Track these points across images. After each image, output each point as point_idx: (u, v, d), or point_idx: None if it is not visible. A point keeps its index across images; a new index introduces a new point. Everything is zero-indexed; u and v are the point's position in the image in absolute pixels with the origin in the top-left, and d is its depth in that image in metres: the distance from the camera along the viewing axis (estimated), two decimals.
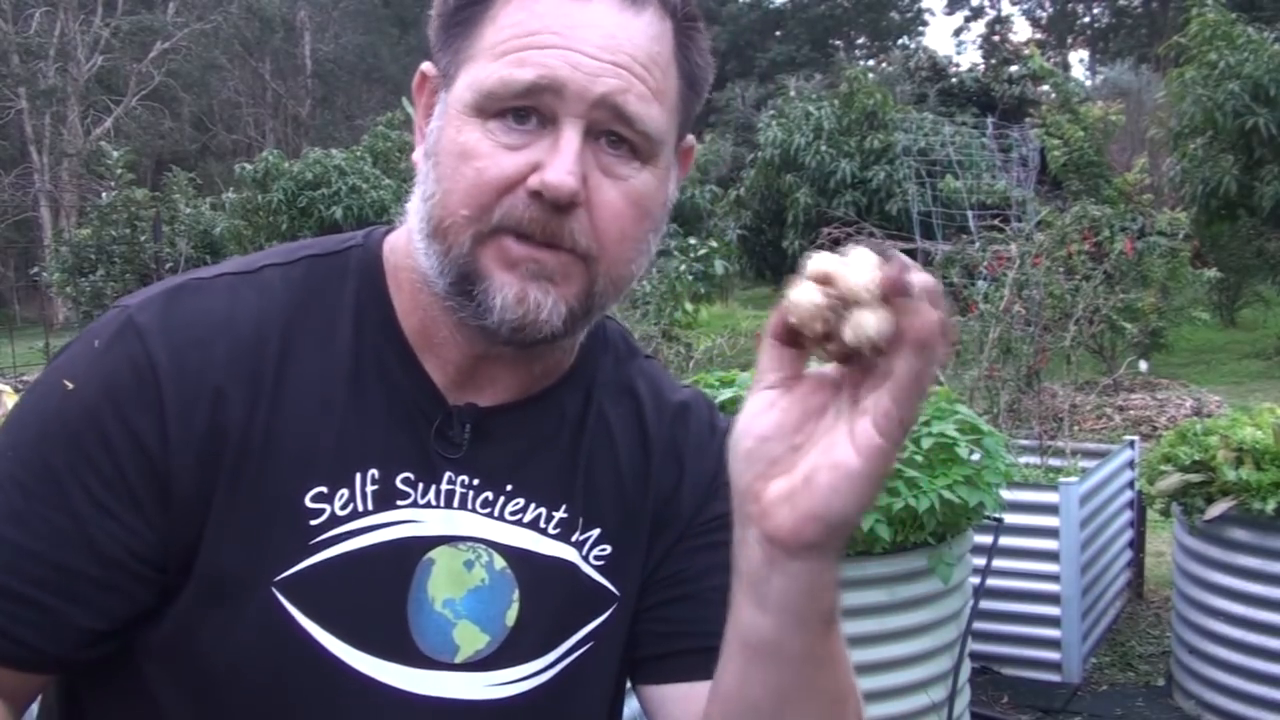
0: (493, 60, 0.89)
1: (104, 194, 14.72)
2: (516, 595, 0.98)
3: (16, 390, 2.85)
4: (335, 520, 0.93)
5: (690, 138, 1.03)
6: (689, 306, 9.40)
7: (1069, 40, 46.36)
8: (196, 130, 37.27)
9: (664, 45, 0.93)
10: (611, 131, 0.90)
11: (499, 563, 0.98)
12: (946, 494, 3.03)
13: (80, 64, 32.40)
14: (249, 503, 0.91)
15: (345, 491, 0.93)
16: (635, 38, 0.90)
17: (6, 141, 32.23)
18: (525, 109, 0.89)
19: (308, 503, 0.92)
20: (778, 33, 43.67)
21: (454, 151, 0.91)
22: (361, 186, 15.51)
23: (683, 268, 9.20)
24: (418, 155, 0.97)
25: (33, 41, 31.64)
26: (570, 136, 0.88)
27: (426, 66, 0.98)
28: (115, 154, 14.26)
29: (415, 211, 0.95)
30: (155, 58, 33.64)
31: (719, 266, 10.17)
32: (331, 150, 16.89)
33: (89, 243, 14.30)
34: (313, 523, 0.92)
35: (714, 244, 10.46)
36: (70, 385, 0.90)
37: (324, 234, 1.10)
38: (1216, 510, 3.75)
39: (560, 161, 0.87)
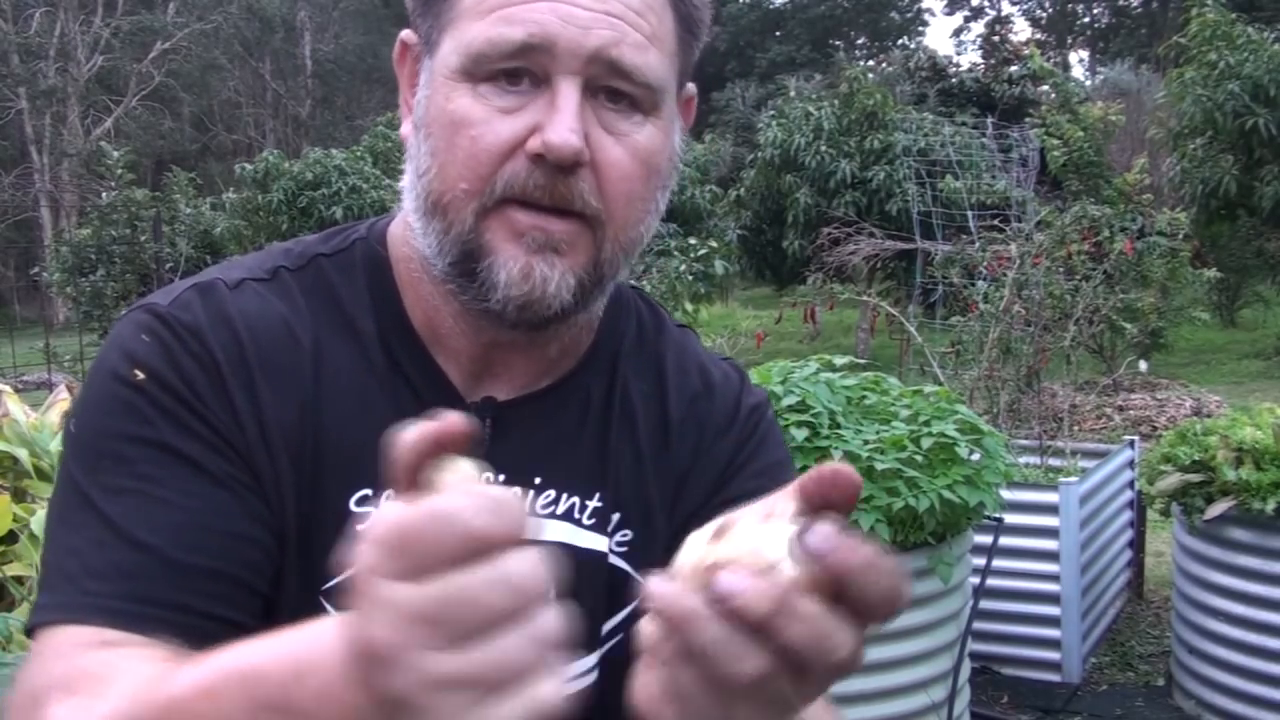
0: (478, 19, 0.84)
1: (104, 194, 14.71)
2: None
3: (17, 390, 2.85)
4: None
5: (691, 86, 0.97)
6: (689, 306, 9.41)
7: (1069, 40, 46.34)
8: (196, 130, 37.25)
9: None
10: (610, 87, 0.85)
11: None
12: (946, 494, 3.03)
13: (80, 64, 32.39)
14: (301, 507, 0.88)
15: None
16: None
17: (6, 141, 32.22)
18: (517, 70, 0.84)
19: (353, 507, 0.89)
20: (778, 33, 43.64)
21: (445, 121, 0.86)
22: (361, 186, 15.52)
23: (683, 268, 9.20)
24: (406, 129, 0.92)
25: (33, 41, 31.63)
26: (568, 93, 0.83)
27: (406, 34, 0.94)
28: (115, 154, 14.24)
29: (409, 189, 0.91)
30: (155, 58, 33.63)
31: (719, 266, 10.17)
32: (331, 150, 16.91)
33: (89, 243, 14.28)
34: (360, 528, 0.90)
35: (714, 244, 10.45)
36: (142, 375, 0.85)
37: None
38: (1216, 510, 3.75)
39: (561, 120, 0.82)
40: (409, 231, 0.92)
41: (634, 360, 1.02)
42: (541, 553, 0.53)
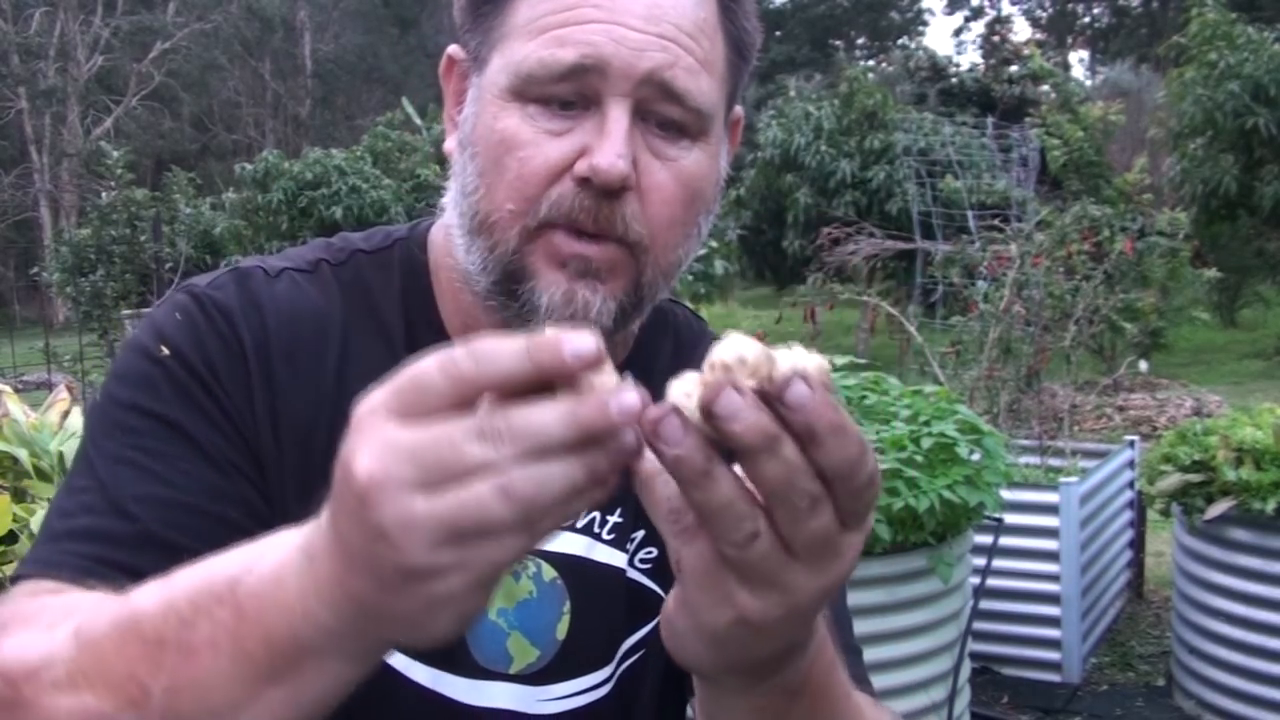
0: (529, 39, 0.84)
1: (104, 194, 14.69)
2: (567, 607, 0.94)
3: (16, 390, 2.84)
4: None
5: (738, 109, 0.97)
6: (689, 307, 9.41)
7: (1069, 40, 46.33)
8: (196, 130, 37.24)
9: (709, 10, 0.87)
10: (660, 111, 0.85)
11: (548, 573, 0.94)
12: (946, 494, 3.03)
13: (80, 64, 32.38)
14: (302, 498, 0.86)
15: None
16: (680, 4, 0.85)
17: (6, 141, 32.20)
18: (567, 91, 0.84)
19: None
20: (778, 33, 43.60)
21: (493, 140, 0.86)
22: (361, 186, 15.52)
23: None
24: (451, 145, 0.92)
25: (33, 41, 31.62)
26: (618, 117, 0.83)
27: (454, 49, 0.93)
28: (115, 154, 14.20)
29: (454, 206, 0.91)
30: (155, 58, 33.62)
31: (719, 266, 10.17)
32: (331, 150, 16.92)
33: (89, 243, 14.25)
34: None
35: (714, 244, 10.44)
36: (167, 350, 0.87)
37: (324, 234, 1.08)
38: (1216, 510, 3.75)
39: (609, 144, 0.82)
40: (450, 242, 0.92)
41: (667, 376, 1.02)
42: (556, 407, 0.52)
